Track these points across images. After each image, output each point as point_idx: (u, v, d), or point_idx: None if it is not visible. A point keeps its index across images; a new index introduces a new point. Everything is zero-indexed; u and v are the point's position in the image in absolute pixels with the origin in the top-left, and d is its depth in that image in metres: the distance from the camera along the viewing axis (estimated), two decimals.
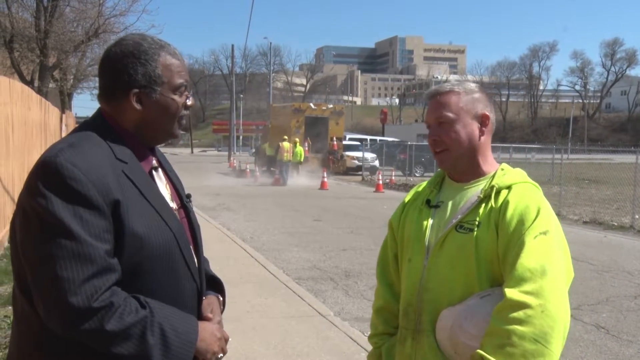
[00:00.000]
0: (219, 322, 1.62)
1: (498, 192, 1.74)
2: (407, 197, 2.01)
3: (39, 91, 17.21)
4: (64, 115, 18.88)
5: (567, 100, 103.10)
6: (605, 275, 7.94)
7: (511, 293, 1.58)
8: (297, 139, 24.68)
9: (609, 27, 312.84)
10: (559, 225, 1.73)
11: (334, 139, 29.39)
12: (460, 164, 1.81)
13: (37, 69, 20.67)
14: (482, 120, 1.81)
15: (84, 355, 1.37)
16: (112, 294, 1.34)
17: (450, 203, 1.82)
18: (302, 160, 24.74)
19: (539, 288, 1.57)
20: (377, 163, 28.48)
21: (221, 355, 1.54)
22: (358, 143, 31.92)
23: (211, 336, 1.51)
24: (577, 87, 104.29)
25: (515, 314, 1.55)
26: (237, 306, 5.81)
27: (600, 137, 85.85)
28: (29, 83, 19.33)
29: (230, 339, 1.63)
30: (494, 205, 1.72)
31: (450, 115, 1.78)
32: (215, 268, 1.87)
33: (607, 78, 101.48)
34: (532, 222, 1.65)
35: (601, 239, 11.21)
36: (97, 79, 23.41)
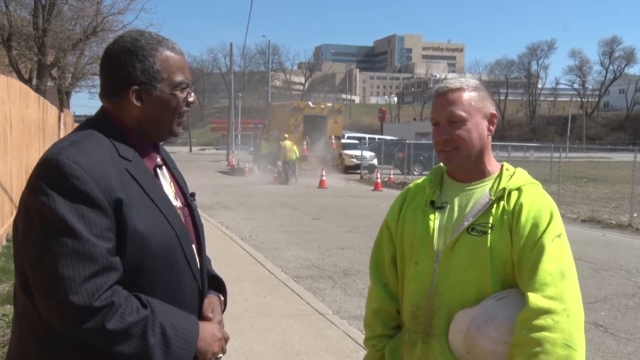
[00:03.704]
0: (220, 322, 1.62)
1: (509, 194, 1.72)
2: (400, 196, 1.95)
3: (37, 89, 17.17)
4: (62, 114, 18.82)
5: (565, 99, 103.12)
6: (603, 274, 7.96)
7: (535, 299, 1.57)
8: (289, 137, 24.55)
9: (607, 25, 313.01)
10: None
11: (333, 137, 29.36)
12: (467, 164, 1.77)
13: (35, 67, 20.66)
14: (491, 119, 1.78)
15: (84, 354, 1.37)
16: (113, 293, 1.34)
17: (455, 204, 1.78)
18: (297, 158, 24.68)
19: (561, 292, 1.58)
20: (375, 161, 28.53)
21: (221, 355, 1.54)
22: (357, 141, 31.93)
23: (211, 336, 1.51)
24: (576, 86, 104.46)
25: (542, 321, 1.55)
26: (236, 305, 5.81)
27: (599, 135, 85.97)
28: (27, 81, 19.31)
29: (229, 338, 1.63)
30: (506, 208, 1.70)
31: (463, 113, 1.73)
32: (214, 266, 1.87)
33: (605, 76, 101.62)
34: (547, 226, 1.65)
35: (599, 237, 11.23)
36: (95, 77, 23.53)
